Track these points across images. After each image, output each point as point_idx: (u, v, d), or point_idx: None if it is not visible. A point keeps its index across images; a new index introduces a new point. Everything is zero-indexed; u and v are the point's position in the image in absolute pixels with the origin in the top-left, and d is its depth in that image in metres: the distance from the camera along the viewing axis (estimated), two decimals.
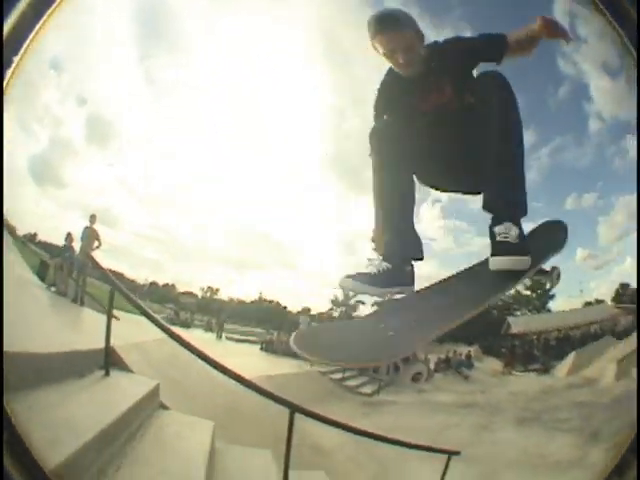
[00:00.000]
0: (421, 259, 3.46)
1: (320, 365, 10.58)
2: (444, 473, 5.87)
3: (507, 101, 2.84)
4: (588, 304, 19.03)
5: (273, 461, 4.48)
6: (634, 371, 11.58)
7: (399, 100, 3.12)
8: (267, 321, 13.53)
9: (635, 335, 15.96)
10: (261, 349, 12.72)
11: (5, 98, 1.51)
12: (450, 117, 3.09)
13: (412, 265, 3.44)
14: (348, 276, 3.19)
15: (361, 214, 17.12)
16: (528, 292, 20.14)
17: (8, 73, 1.50)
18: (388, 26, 2.86)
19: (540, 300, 20.08)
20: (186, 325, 11.90)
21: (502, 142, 2.83)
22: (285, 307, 14.11)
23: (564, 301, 20.21)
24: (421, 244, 3.44)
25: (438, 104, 3.07)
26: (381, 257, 3.23)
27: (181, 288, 14.68)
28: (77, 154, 10.33)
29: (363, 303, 14.72)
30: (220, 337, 12.76)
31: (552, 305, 19.87)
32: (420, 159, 3.16)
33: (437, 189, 3.61)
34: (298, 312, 13.57)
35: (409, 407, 10.90)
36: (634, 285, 22.37)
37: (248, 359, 9.97)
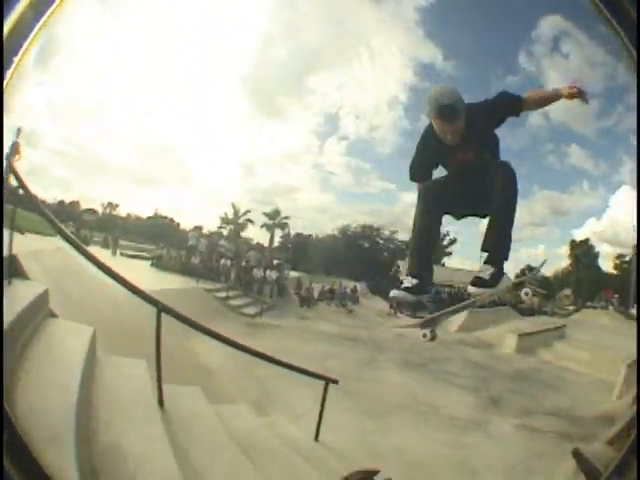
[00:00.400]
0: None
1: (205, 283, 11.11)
2: (323, 399, 5.65)
3: (511, 184, 3.39)
4: None
5: (148, 370, 4.22)
6: (542, 353, 12.70)
7: (438, 158, 3.63)
8: (160, 237, 13.70)
9: (541, 317, 17.74)
10: (151, 265, 12.73)
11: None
12: (471, 169, 3.61)
13: (431, 277, 3.69)
14: (398, 289, 3.49)
15: (265, 139, 17.87)
16: None
17: (8, 73, 1.38)
18: (447, 117, 3.23)
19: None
20: (85, 242, 11.45)
21: (505, 210, 3.36)
22: (178, 224, 14.98)
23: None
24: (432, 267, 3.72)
25: (464, 161, 3.60)
26: (410, 275, 3.57)
27: (85, 205, 15.53)
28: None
29: (252, 222, 16.09)
30: (115, 253, 12.96)
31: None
32: (451, 203, 3.64)
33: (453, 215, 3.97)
34: (190, 229, 13.93)
35: (292, 332, 10.64)
36: (543, 272, 23.67)
37: (138, 274, 8.89)
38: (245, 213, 15.84)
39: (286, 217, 16.84)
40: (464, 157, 3.65)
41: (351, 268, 17.67)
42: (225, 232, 15.09)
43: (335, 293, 14.43)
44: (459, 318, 15.09)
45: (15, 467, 1.27)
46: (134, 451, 2.98)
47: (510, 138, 20.46)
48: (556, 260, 24.67)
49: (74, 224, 12.99)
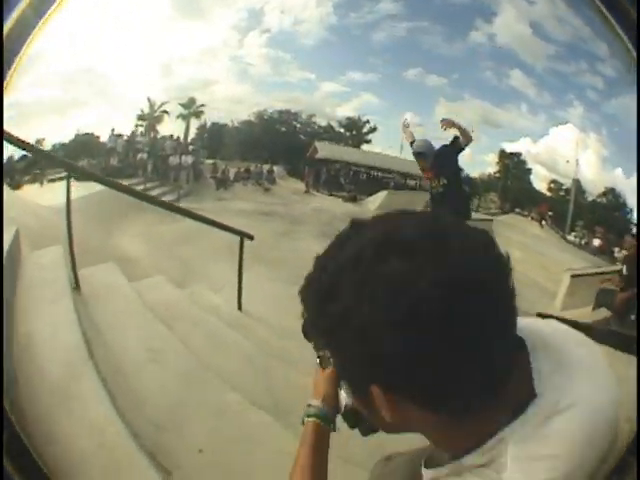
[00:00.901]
0: None
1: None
2: (240, 257, 5.69)
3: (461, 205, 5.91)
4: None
5: (62, 257, 4.11)
6: None
7: None
8: (82, 154, 12.69)
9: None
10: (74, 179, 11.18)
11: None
12: (436, 195, 5.97)
13: None
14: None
15: (185, 38, 16.14)
16: (342, 130, 20.64)
17: (8, 73, 1.34)
18: (420, 157, 5.84)
19: (353, 140, 20.28)
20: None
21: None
22: (98, 137, 13.61)
23: (381, 150, 20.89)
24: None
25: (431, 184, 6.00)
26: None
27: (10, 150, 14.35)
28: None
29: (167, 113, 15.12)
30: (42, 184, 11.29)
31: (366, 149, 20.56)
32: None
33: None
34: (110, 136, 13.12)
35: (209, 213, 9.34)
36: (467, 171, 24.32)
37: (59, 192, 7.59)
38: (161, 105, 15.14)
39: (202, 105, 16.04)
40: (429, 180, 6.02)
41: (268, 152, 17.39)
42: (142, 129, 14.31)
43: (251, 173, 14.37)
44: (378, 198, 15.24)
45: (15, 467, 1.22)
46: (41, 333, 2.91)
47: (446, 47, 20.23)
48: (482, 166, 25.11)
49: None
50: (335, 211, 13.21)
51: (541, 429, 0.76)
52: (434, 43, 21.21)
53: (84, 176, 6.15)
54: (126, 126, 14.29)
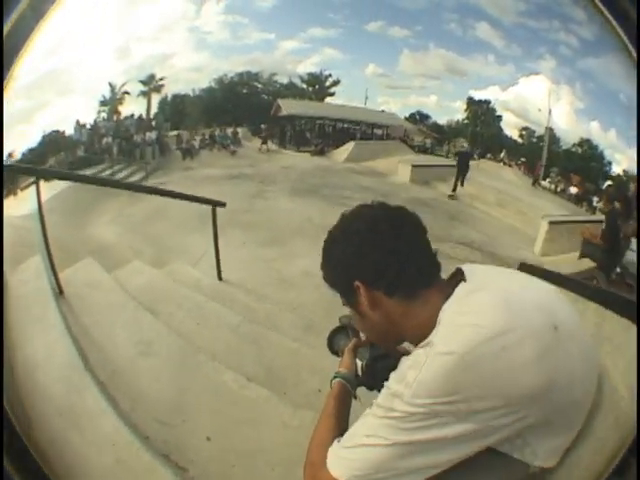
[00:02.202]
0: None
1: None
2: (214, 225, 5.53)
3: None
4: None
5: (42, 266, 3.95)
6: (436, 185, 12.65)
7: None
8: (50, 153, 11.94)
9: (435, 156, 17.65)
10: (45, 181, 10.85)
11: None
12: None
13: None
14: None
15: (140, 18, 15.45)
16: (304, 86, 20.46)
17: (8, 73, 1.39)
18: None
19: (317, 95, 20.09)
20: None
21: None
22: (64, 131, 12.74)
23: (345, 101, 20.87)
24: None
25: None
26: None
27: None
28: None
29: (128, 93, 14.42)
30: (15, 194, 10.91)
31: (330, 100, 20.42)
32: None
33: None
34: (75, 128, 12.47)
35: (177, 185, 10.20)
36: (435, 119, 24.32)
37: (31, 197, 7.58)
38: (122, 86, 14.49)
39: (161, 79, 15.32)
40: None
41: (231, 116, 16.98)
42: (105, 114, 13.90)
43: (216, 138, 14.24)
44: (346, 149, 15.02)
45: (15, 467, 1.24)
46: (36, 356, 2.83)
47: (409, 2, 19.99)
48: (450, 112, 25.03)
49: None
50: (304, 166, 13.34)
51: (465, 301, 1.02)
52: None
53: (51, 175, 6.11)
54: (90, 115, 13.72)
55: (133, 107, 15.33)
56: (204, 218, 5.87)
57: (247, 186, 10.40)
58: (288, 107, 17.14)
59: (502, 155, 21.74)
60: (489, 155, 18.60)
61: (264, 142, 14.85)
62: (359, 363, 1.33)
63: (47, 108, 13.23)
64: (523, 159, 17.03)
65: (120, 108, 14.75)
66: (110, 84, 14.75)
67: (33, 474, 1.32)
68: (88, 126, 13.13)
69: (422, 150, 17.70)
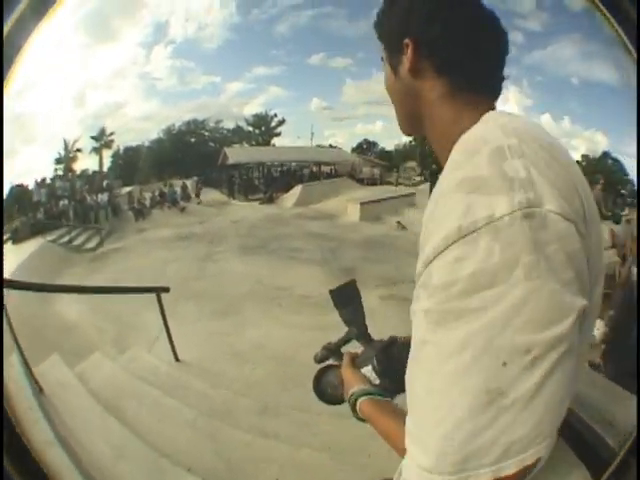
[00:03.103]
0: None
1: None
2: (162, 314, 5.23)
3: None
4: (319, 147, 20.18)
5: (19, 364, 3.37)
6: (388, 219, 12.53)
7: None
8: (16, 210, 12.27)
9: (385, 187, 17.38)
10: (12, 243, 10.71)
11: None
12: None
13: None
14: None
15: (96, 64, 16.10)
16: (251, 128, 20.60)
17: (8, 73, 1.22)
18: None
19: (263, 137, 20.25)
20: None
21: None
22: (27, 186, 13.32)
23: (292, 142, 21.06)
24: None
25: None
26: None
27: None
28: None
29: (80, 151, 14.89)
30: None
31: (278, 143, 20.54)
32: None
33: None
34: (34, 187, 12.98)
35: (131, 250, 10.35)
36: (383, 145, 24.33)
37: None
38: (74, 144, 14.93)
39: (111, 133, 15.98)
40: None
41: (180, 167, 17.29)
42: (61, 171, 14.30)
43: (165, 195, 14.16)
44: (294, 194, 14.97)
45: (15, 467, 1.18)
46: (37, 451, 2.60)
47: (350, 28, 20.44)
48: (397, 136, 25.37)
49: None
50: (253, 218, 13.29)
51: None
52: (338, 26, 21.53)
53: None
54: (49, 171, 14.00)
55: (86, 163, 15.39)
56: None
57: (197, 248, 10.26)
58: (234, 155, 17.18)
59: None
60: (440, 176, 19.10)
61: (197, 195, 14.96)
62: (368, 370, 1.12)
63: (14, 157, 12.94)
64: None
65: (74, 166, 14.96)
66: (64, 140, 14.83)
67: (33, 474, 1.22)
68: (48, 182, 13.21)
69: (371, 182, 17.85)
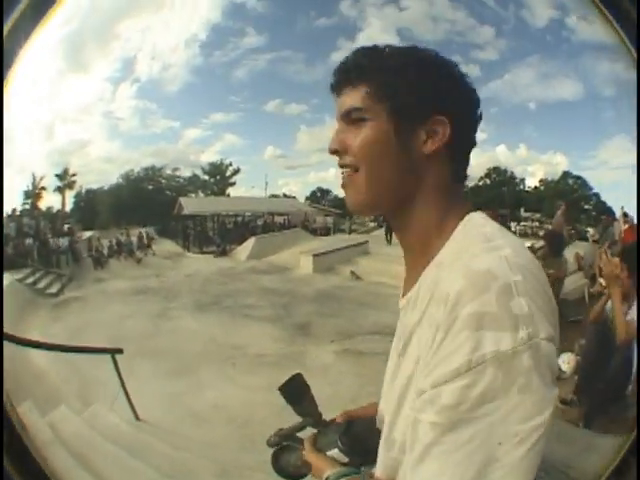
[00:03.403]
0: None
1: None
2: (118, 374, 5.21)
3: None
4: (274, 197, 20.38)
5: None
6: (341, 269, 12.61)
7: None
8: None
9: (338, 235, 17.74)
10: None
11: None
12: None
13: None
14: None
15: (66, 96, 16.29)
16: (206, 177, 20.74)
17: (8, 73, 1.26)
18: None
19: (218, 186, 20.39)
20: None
21: None
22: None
23: (246, 191, 21.23)
24: None
25: None
26: None
27: None
28: None
29: (45, 189, 14.96)
30: None
31: (232, 193, 20.70)
32: None
33: None
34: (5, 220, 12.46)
35: (90, 301, 10.23)
36: (336, 192, 24.29)
37: None
38: (40, 180, 15.19)
39: (74, 174, 16.19)
40: None
41: (138, 214, 17.25)
42: (28, 206, 14.53)
43: (122, 245, 14.08)
44: (247, 246, 15.30)
45: (15, 467, 1.19)
46: None
47: (307, 73, 20.92)
48: None
49: None
50: (207, 272, 13.29)
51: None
52: (295, 70, 21.90)
53: None
54: (18, 201, 13.94)
55: (51, 201, 15.44)
56: (121, 343, 5.76)
57: (152, 303, 10.20)
58: (189, 205, 17.22)
59: None
60: None
61: (148, 245, 14.82)
62: (335, 452, 1.10)
63: None
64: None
65: (39, 204, 14.94)
66: (33, 174, 14.83)
67: (33, 474, 1.24)
68: (17, 214, 13.29)
69: (324, 232, 18.06)
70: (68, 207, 16.19)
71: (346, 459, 1.08)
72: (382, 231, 16.23)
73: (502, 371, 0.70)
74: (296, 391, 1.17)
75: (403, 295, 0.99)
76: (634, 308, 3.38)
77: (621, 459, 1.04)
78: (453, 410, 0.72)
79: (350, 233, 18.38)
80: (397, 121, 0.91)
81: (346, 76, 0.95)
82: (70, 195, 16.18)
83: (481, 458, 0.71)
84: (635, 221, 10.36)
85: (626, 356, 3.39)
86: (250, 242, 15.09)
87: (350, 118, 0.93)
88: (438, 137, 0.89)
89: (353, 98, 0.93)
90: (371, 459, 1.03)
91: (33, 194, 14.56)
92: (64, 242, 12.62)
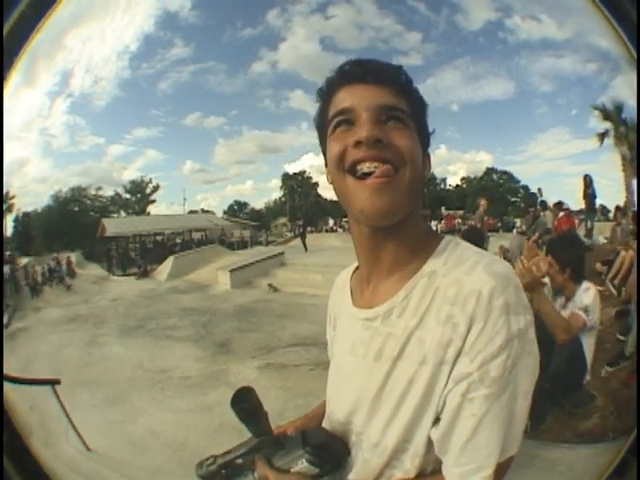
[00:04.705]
0: None
1: None
2: (60, 403, 5.21)
3: None
4: (193, 212, 20.44)
5: None
6: (259, 282, 12.97)
7: None
8: None
9: (256, 248, 18.27)
10: None
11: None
12: None
13: None
14: None
15: (14, 111, 15.79)
16: (128, 195, 20.64)
17: (8, 73, 1.36)
18: None
19: (139, 204, 20.47)
20: None
21: None
22: None
23: (166, 207, 21.37)
24: None
25: None
26: None
27: None
28: None
29: None
30: None
31: (153, 210, 20.72)
32: None
33: None
34: None
35: (31, 332, 10.49)
36: (253, 205, 24.08)
37: None
38: None
39: (12, 197, 15.92)
40: None
41: (67, 238, 17.51)
42: None
43: (53, 271, 14.34)
44: (166, 265, 15.46)
45: (15, 467, 1.26)
46: None
47: (227, 85, 20.94)
48: (267, 193, 25.81)
49: None
50: (131, 295, 13.52)
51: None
52: (216, 82, 22.30)
53: None
54: None
55: None
56: (62, 373, 6.07)
57: (82, 331, 10.44)
58: (111, 226, 17.45)
59: (330, 223, 22.44)
60: (309, 228, 19.73)
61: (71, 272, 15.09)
62: (303, 466, 1.02)
63: None
64: (345, 219, 17.99)
65: None
66: None
67: (33, 474, 1.33)
68: None
69: (242, 246, 18.64)
70: (8, 232, 16.02)
71: (316, 470, 1.04)
72: (298, 241, 17.10)
73: (521, 342, 0.89)
74: (252, 408, 1.07)
75: (367, 307, 1.08)
76: (577, 300, 3.47)
77: (621, 459, 1.11)
78: (500, 380, 0.88)
79: (267, 245, 19.26)
80: (420, 142, 1.02)
81: (389, 76, 0.99)
82: (10, 219, 16.03)
83: (509, 414, 0.89)
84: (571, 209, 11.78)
85: (574, 350, 3.42)
86: (169, 261, 15.37)
87: (389, 115, 0.97)
88: (430, 164, 1.08)
89: (397, 100, 0.98)
90: (338, 463, 1.06)
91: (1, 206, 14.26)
92: (7, 270, 12.69)
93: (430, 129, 1.07)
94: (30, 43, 1.40)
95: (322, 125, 1.06)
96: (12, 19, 1.29)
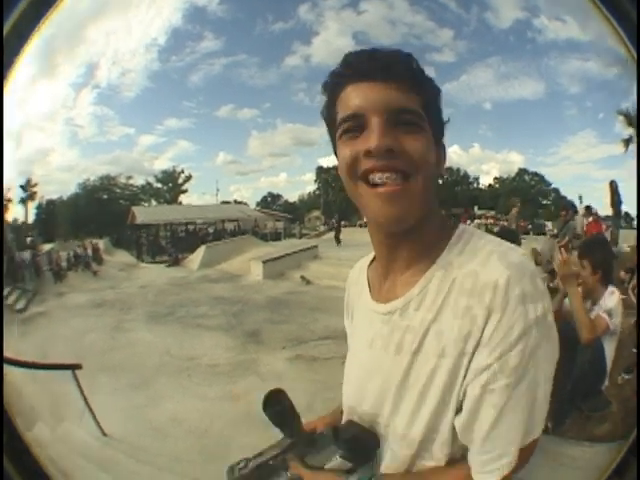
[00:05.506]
0: None
1: None
2: (80, 390, 5.12)
3: None
4: (225, 203, 20.38)
5: None
6: (291, 274, 12.74)
7: None
8: None
9: (290, 240, 18.18)
10: None
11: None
12: None
13: None
14: None
15: (34, 101, 16.03)
16: (159, 184, 20.70)
17: (8, 73, 1.32)
18: None
19: (171, 193, 20.47)
20: None
21: None
22: None
23: (198, 198, 21.29)
24: None
25: None
26: None
27: None
28: None
29: (10, 201, 14.50)
30: None
31: (185, 200, 20.72)
32: None
33: None
34: None
35: (53, 316, 10.34)
36: (286, 197, 23.98)
37: None
38: (8, 191, 14.54)
39: (34, 185, 15.80)
40: None
41: (95, 225, 17.37)
42: None
43: (79, 257, 14.15)
44: (198, 255, 15.35)
45: (15, 467, 1.26)
46: None
47: (260, 78, 20.98)
48: (301, 186, 25.79)
49: None
50: (160, 283, 13.39)
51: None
52: (249, 75, 22.76)
53: None
54: None
55: (15, 213, 15.05)
56: (83, 358, 5.84)
57: (109, 316, 10.30)
58: (141, 214, 17.28)
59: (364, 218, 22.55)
60: (344, 222, 19.02)
61: (100, 258, 14.88)
62: (337, 463, 1.03)
63: None
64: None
65: (6, 216, 14.63)
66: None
67: (33, 474, 1.30)
68: None
69: (275, 237, 18.32)
70: (30, 219, 16.04)
71: (349, 464, 1.04)
72: (332, 235, 16.79)
73: (539, 330, 0.88)
74: (284, 410, 1.06)
75: (385, 301, 1.07)
76: (602, 303, 3.44)
77: (621, 459, 1.11)
78: (519, 369, 0.87)
79: (301, 237, 18.92)
80: (435, 140, 0.97)
81: (398, 70, 0.92)
82: (32, 206, 16.03)
83: (530, 401, 0.89)
84: (599, 214, 11.55)
85: (596, 353, 3.43)
86: (201, 250, 15.20)
87: (401, 118, 0.91)
88: (444, 158, 1.04)
89: (408, 100, 0.92)
90: (368, 457, 1.06)
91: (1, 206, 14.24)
92: (27, 256, 12.74)
93: (445, 118, 1.02)
94: (33, 40, 1.34)
95: (330, 121, 1.02)
96: (12, 19, 1.26)
